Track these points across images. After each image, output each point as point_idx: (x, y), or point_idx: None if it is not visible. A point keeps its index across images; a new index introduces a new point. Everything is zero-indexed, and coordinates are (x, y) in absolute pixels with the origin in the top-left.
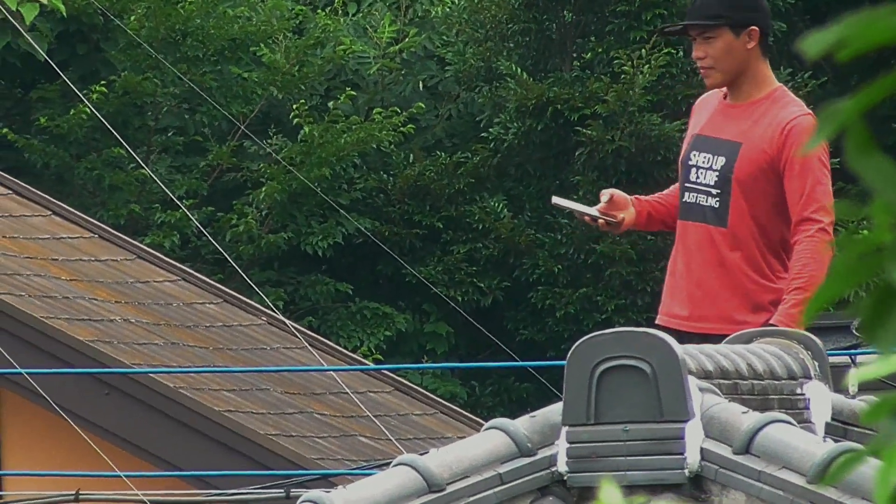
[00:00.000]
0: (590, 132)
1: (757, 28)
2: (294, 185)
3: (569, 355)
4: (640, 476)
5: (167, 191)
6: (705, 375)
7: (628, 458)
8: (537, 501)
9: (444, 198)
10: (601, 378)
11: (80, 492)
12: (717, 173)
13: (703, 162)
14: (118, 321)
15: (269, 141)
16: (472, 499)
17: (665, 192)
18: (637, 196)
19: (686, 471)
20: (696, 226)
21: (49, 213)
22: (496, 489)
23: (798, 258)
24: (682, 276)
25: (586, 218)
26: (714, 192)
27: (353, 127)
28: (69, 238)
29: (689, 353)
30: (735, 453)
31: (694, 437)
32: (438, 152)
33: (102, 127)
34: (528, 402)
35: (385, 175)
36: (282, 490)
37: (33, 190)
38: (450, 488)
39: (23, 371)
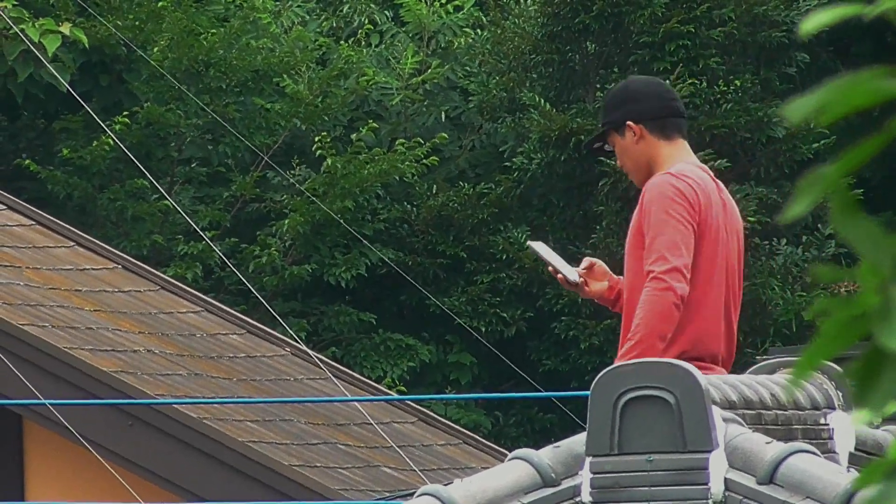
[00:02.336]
0: (613, 163)
1: (632, 122)
2: (317, 216)
3: (593, 386)
4: None
5: (190, 222)
6: (729, 405)
7: (652, 488)
8: None
9: (467, 228)
10: (625, 408)
11: None
12: None
13: None
14: (142, 352)
15: (292, 172)
16: None
17: None
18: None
19: (710, 501)
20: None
21: (72, 244)
22: None
23: (636, 311)
24: None
25: (559, 276)
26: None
27: (376, 158)
28: (92, 269)
29: (713, 384)
30: (759, 483)
31: (718, 468)
32: (462, 183)
33: (125, 158)
34: (551, 433)
35: (408, 206)
36: None
37: (57, 221)
38: None
39: (46, 402)
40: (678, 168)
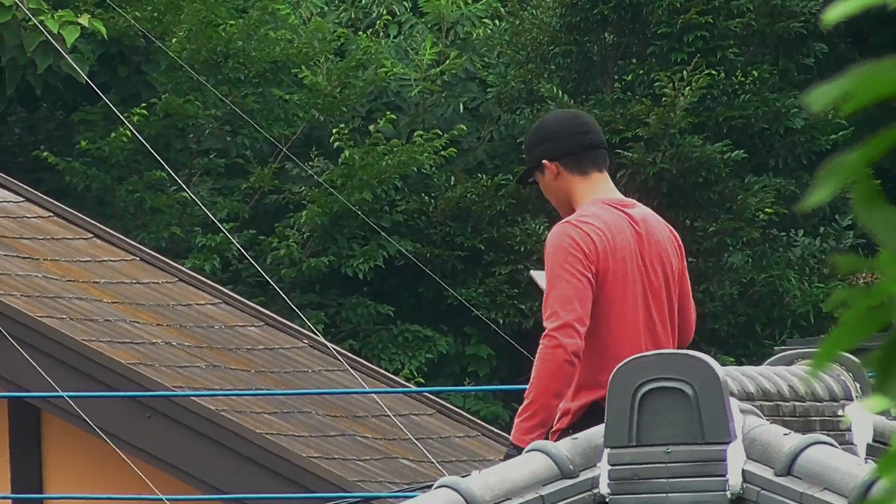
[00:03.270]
0: (631, 154)
1: (546, 161)
2: (335, 208)
3: (611, 377)
4: (681, 498)
5: (209, 213)
6: (747, 397)
7: (670, 479)
8: None
9: (485, 220)
10: (643, 400)
11: None
12: None
13: None
14: (160, 344)
15: (310, 163)
16: None
17: None
18: None
19: (728, 493)
20: None
21: (90, 235)
22: None
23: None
24: None
25: None
26: None
27: (395, 149)
28: (111, 261)
29: (731, 375)
30: (777, 475)
31: (736, 459)
32: (480, 174)
33: (144, 149)
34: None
35: (426, 197)
36: None
37: (75, 213)
38: None
39: (65, 394)
40: (581, 213)
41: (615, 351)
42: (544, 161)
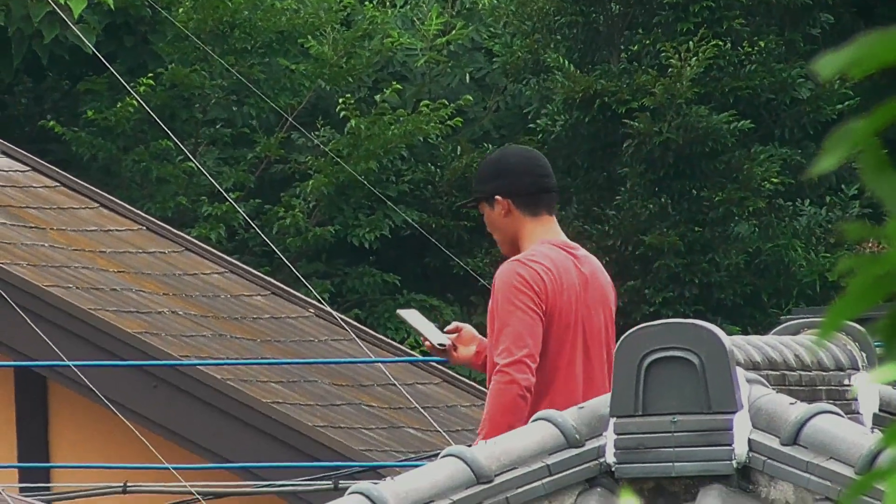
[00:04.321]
0: (637, 124)
1: (500, 196)
2: (341, 178)
3: (617, 347)
4: (687, 467)
5: (215, 183)
6: (753, 366)
7: (676, 449)
8: (585, 493)
9: None
10: (649, 369)
11: (128, 484)
12: None
13: None
14: (166, 313)
15: (316, 133)
16: (519, 490)
17: None
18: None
19: (734, 462)
20: None
21: (97, 205)
22: (544, 480)
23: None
24: None
25: (427, 344)
26: None
27: (401, 119)
28: (117, 230)
29: (737, 345)
30: (783, 444)
31: (742, 429)
32: (486, 144)
33: (150, 119)
34: None
35: (432, 167)
36: (330, 481)
37: (81, 182)
38: (498, 479)
39: (71, 363)
40: (530, 252)
41: (563, 388)
42: (497, 196)
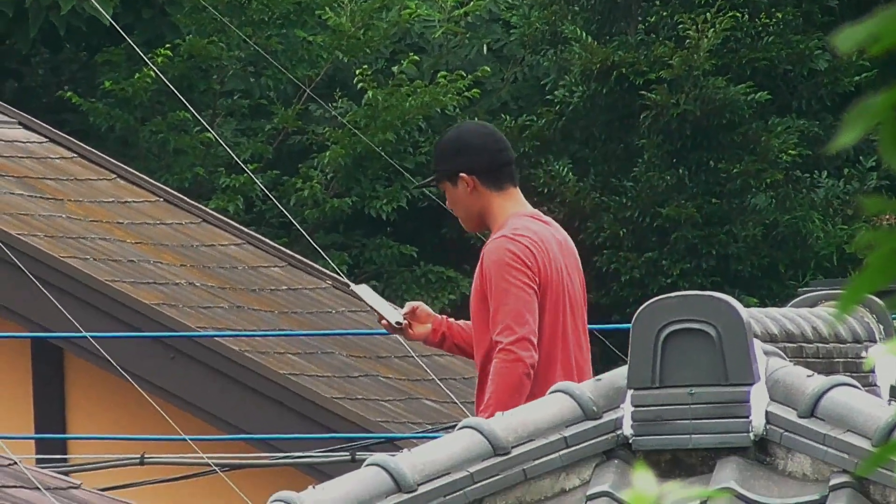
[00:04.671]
0: (655, 96)
1: (465, 174)
2: (359, 149)
3: (634, 319)
4: (705, 439)
5: (232, 154)
6: (770, 339)
7: (693, 421)
8: (602, 465)
9: None
10: (666, 341)
11: (146, 455)
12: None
13: None
14: (183, 285)
15: (334, 104)
16: (536, 462)
17: None
18: (448, 318)
19: (751, 434)
20: None
21: (114, 176)
22: (561, 452)
23: (488, 383)
24: None
25: (383, 322)
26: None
27: (418, 91)
28: (134, 202)
29: (755, 317)
30: (800, 417)
31: (759, 401)
32: (503, 115)
33: (167, 90)
34: (593, 366)
35: None
36: (347, 453)
37: (98, 153)
38: (515, 451)
39: (88, 335)
40: (513, 226)
41: (556, 362)
42: (462, 173)
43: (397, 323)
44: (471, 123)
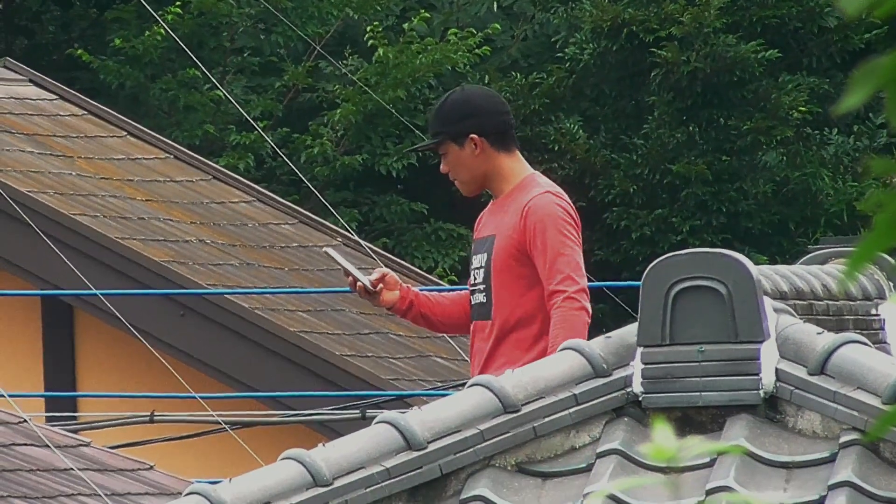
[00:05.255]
0: (665, 54)
1: (475, 135)
2: (369, 107)
3: (644, 276)
4: (714, 397)
5: (242, 111)
6: (780, 296)
7: (703, 378)
8: (612, 422)
9: (519, 118)
10: (676, 299)
11: (155, 413)
12: (482, 270)
13: (476, 263)
14: (193, 242)
15: (344, 62)
16: (547, 419)
17: (450, 292)
18: (414, 289)
19: (761, 391)
20: (474, 325)
21: (124, 133)
22: (571, 410)
23: (551, 331)
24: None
25: (358, 285)
26: (482, 287)
27: (429, 48)
28: (144, 159)
29: (765, 274)
30: (810, 374)
31: (769, 358)
32: (514, 73)
33: (177, 48)
34: (603, 323)
35: None
36: (357, 411)
37: (109, 111)
38: (525, 409)
39: (98, 292)
40: (552, 187)
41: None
42: (473, 135)
43: (371, 287)
44: (475, 87)
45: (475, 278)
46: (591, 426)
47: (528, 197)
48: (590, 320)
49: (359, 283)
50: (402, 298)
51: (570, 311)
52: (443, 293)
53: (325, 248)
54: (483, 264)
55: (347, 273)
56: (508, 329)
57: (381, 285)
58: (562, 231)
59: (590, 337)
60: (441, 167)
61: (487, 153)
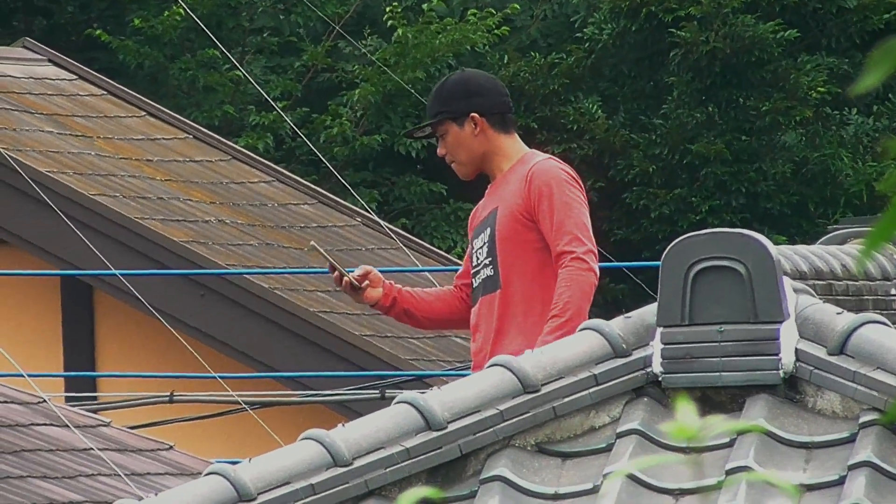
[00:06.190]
0: (684, 34)
1: (477, 114)
2: (388, 87)
3: (664, 256)
4: (734, 377)
5: (262, 91)
6: (800, 276)
7: (723, 358)
8: (632, 402)
9: (538, 98)
10: (696, 279)
11: (175, 393)
12: (487, 245)
13: (479, 243)
14: (213, 222)
15: (363, 42)
16: (566, 399)
17: (436, 290)
18: (398, 286)
19: (781, 372)
20: (480, 301)
21: (144, 113)
22: (591, 390)
23: (556, 290)
24: (479, 348)
25: (345, 280)
26: (487, 261)
27: (448, 28)
28: (164, 139)
29: (784, 254)
30: (830, 354)
31: (789, 338)
32: (533, 53)
33: (197, 28)
34: (622, 303)
35: None
36: (377, 391)
37: (128, 91)
38: (545, 389)
39: (118, 272)
40: (552, 158)
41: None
42: (474, 115)
43: (357, 283)
44: (472, 70)
45: (478, 258)
46: (610, 406)
47: (531, 164)
48: (597, 282)
49: (344, 279)
50: (385, 295)
51: (577, 271)
52: (426, 290)
53: (311, 242)
54: (486, 240)
55: (333, 268)
56: (518, 294)
57: (366, 282)
58: (567, 192)
59: (609, 317)
60: (438, 150)
61: (487, 133)
